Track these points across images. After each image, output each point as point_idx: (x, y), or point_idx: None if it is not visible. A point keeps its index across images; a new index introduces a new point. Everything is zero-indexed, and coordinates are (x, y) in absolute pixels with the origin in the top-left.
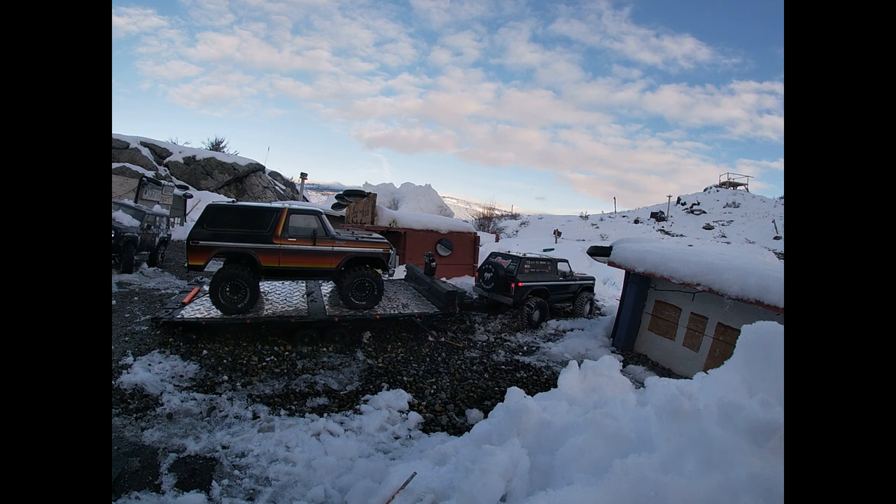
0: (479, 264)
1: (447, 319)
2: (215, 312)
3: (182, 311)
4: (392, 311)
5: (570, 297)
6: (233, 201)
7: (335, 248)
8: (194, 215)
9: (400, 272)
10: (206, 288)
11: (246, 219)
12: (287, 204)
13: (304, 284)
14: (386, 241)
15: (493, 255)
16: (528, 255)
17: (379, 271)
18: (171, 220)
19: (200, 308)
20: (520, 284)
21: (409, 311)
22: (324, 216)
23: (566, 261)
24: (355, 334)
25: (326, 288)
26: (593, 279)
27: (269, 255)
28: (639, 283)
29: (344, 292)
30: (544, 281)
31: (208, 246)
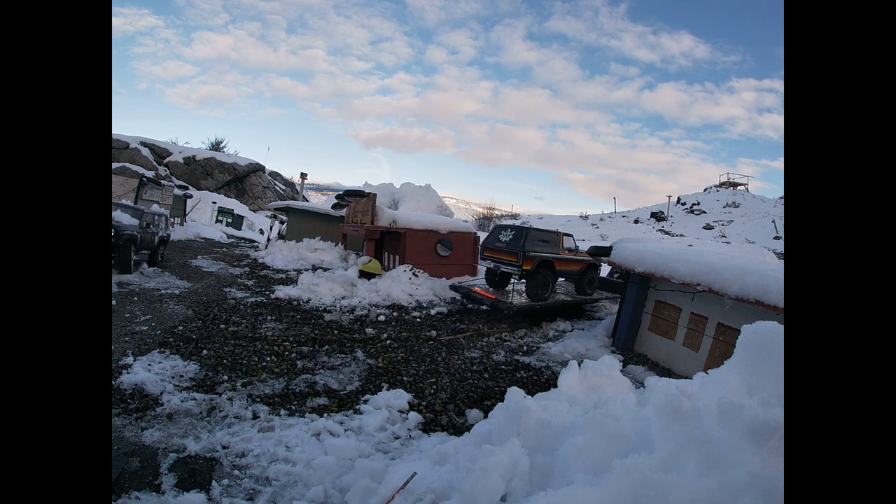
0: (479, 264)
1: (451, 318)
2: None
3: (512, 300)
4: (596, 296)
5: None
6: (528, 225)
7: (580, 257)
8: (195, 215)
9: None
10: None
11: (545, 239)
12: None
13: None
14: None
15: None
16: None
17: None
18: (172, 220)
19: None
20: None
21: (602, 296)
22: (574, 237)
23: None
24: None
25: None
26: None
27: (559, 262)
28: (639, 283)
29: (581, 286)
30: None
31: (533, 256)
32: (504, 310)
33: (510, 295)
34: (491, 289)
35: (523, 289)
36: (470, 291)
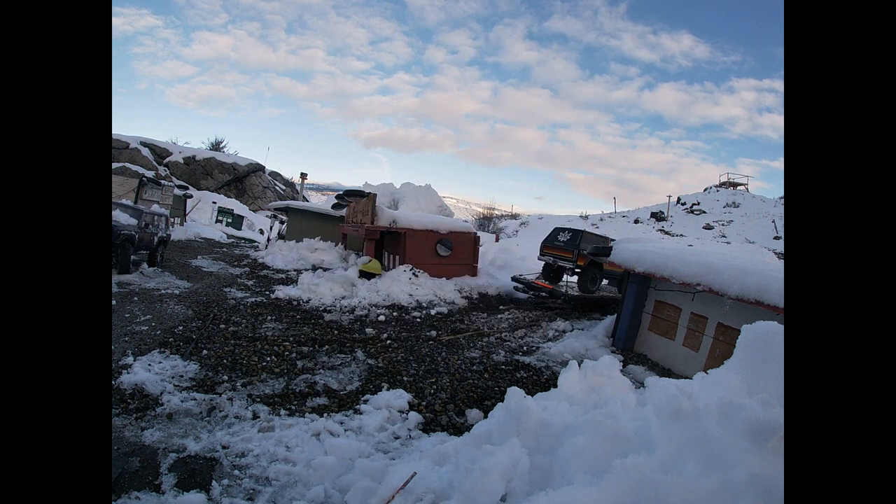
0: (479, 265)
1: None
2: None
3: (567, 291)
4: None
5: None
6: (583, 229)
7: None
8: (195, 215)
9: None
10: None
11: (597, 242)
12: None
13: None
14: None
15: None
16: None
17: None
18: (172, 220)
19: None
20: None
21: None
22: None
23: None
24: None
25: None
26: None
27: (607, 264)
28: (639, 283)
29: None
30: None
31: (585, 254)
32: (560, 297)
33: (564, 287)
34: (547, 281)
35: (572, 283)
36: (531, 282)
